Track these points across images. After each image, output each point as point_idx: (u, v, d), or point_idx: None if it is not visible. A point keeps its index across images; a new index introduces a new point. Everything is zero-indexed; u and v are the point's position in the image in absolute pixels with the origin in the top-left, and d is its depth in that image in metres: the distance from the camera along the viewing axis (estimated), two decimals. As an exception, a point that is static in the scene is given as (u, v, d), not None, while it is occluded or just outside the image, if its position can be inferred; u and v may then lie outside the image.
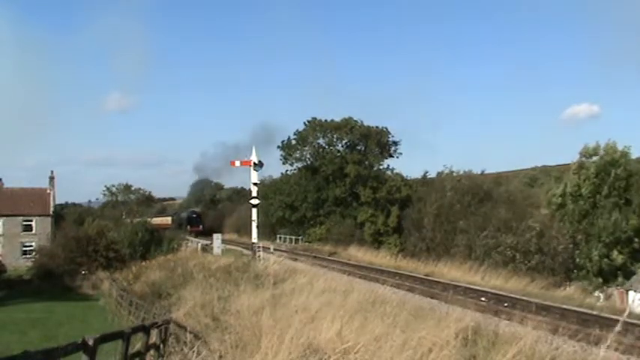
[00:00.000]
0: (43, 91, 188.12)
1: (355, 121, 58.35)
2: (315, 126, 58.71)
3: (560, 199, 39.59)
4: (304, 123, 59.58)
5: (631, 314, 18.85)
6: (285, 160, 59.88)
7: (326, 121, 58.84)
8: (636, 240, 35.90)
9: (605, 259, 35.30)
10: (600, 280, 34.86)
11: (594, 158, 39.23)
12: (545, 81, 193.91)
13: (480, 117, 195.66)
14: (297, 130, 59.59)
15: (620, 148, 38.99)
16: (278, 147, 59.81)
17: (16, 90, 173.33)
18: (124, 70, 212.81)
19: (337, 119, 58.82)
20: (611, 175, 37.07)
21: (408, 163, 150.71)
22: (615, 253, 35.35)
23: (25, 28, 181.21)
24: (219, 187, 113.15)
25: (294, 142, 59.44)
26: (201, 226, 75.07)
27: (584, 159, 39.71)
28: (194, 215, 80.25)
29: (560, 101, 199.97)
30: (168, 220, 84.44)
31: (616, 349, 9.97)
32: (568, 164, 44.52)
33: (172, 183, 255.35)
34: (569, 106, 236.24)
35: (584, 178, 38.29)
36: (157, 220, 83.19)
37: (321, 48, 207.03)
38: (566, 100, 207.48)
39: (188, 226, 72.63)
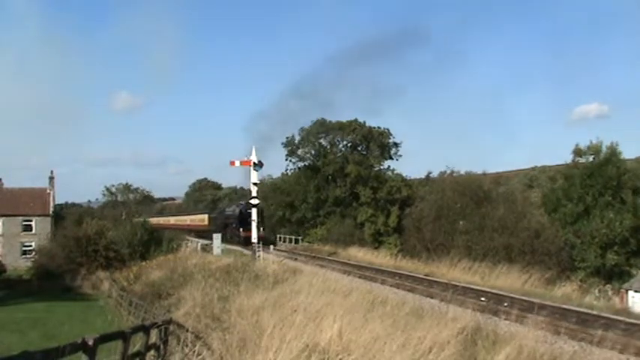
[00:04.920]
0: (47, 91, 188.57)
1: (358, 122, 58.53)
2: (320, 126, 58.91)
3: (554, 200, 39.72)
4: (311, 121, 59.82)
5: (631, 314, 18.88)
6: (288, 157, 60.03)
7: (330, 121, 59.08)
8: (632, 241, 35.93)
9: (601, 260, 35.38)
10: (596, 279, 34.95)
11: (590, 158, 39.34)
12: (552, 80, 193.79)
13: (483, 116, 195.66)
14: (301, 128, 59.75)
15: (612, 147, 39.11)
16: (282, 144, 59.84)
17: (19, 90, 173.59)
18: (131, 70, 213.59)
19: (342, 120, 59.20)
20: (603, 175, 37.16)
21: (409, 163, 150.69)
22: (611, 254, 35.41)
23: (29, 27, 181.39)
24: (215, 186, 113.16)
25: (298, 139, 59.60)
26: (262, 229, 47.13)
27: (579, 159, 39.84)
28: (250, 211, 51.44)
29: (569, 100, 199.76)
30: (204, 219, 63.39)
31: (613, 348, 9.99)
32: (565, 164, 44.71)
33: (174, 183, 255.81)
34: (578, 106, 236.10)
35: (577, 179, 38.40)
36: (187, 220, 69.19)
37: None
38: (576, 100, 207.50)
39: (240, 229, 48.60)
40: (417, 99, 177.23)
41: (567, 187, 39.14)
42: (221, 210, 59.69)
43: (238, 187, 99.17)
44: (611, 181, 37.05)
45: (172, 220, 76.96)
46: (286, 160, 60.26)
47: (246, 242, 34.68)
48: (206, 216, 63.21)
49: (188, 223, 67.67)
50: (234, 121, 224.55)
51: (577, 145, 40.28)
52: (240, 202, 55.08)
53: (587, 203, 37.39)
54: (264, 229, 47.66)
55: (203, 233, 56.05)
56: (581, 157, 39.82)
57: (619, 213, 36.24)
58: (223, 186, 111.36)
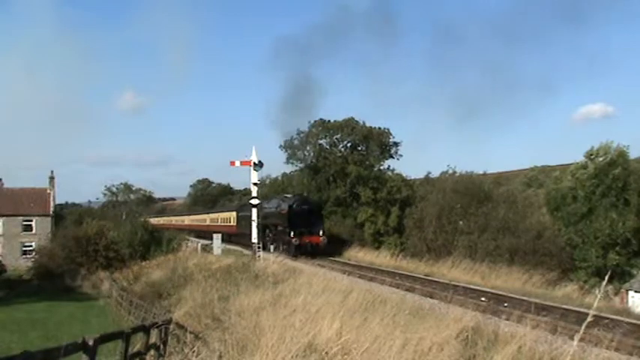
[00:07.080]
0: (50, 91, 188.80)
1: (357, 121, 58.47)
2: (319, 126, 58.81)
3: (559, 199, 39.75)
4: (308, 122, 59.70)
5: (631, 314, 18.89)
6: (288, 160, 59.90)
7: (329, 121, 58.98)
8: (634, 241, 35.98)
9: (602, 260, 35.41)
10: (597, 279, 34.96)
11: (600, 159, 39.33)
12: (555, 80, 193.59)
13: (485, 116, 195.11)
14: (298, 130, 59.61)
15: (619, 147, 39.16)
16: (280, 147, 59.65)
17: (22, 90, 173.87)
18: (135, 70, 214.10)
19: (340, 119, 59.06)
20: (609, 176, 37.18)
21: (410, 163, 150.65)
22: (613, 254, 35.46)
23: (34, 29, 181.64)
24: (216, 185, 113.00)
25: (296, 142, 59.46)
26: (322, 233, 36.61)
27: (588, 160, 39.81)
28: (306, 207, 37.48)
29: (574, 100, 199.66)
30: (230, 217, 49.93)
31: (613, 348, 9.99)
32: (568, 164, 44.69)
33: (175, 183, 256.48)
34: (583, 106, 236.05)
35: (584, 179, 38.44)
36: (206, 220, 60.04)
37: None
38: (581, 100, 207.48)
39: (291, 233, 35.48)
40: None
41: (574, 185, 39.19)
42: (260, 205, 38.59)
43: (236, 187, 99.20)
44: (617, 181, 37.11)
45: (187, 220, 69.76)
46: (286, 163, 60.13)
47: (311, 252, 27.60)
48: (234, 214, 48.38)
49: (207, 223, 57.97)
50: (235, 121, 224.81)
51: (592, 147, 40.32)
52: (286, 195, 40.81)
53: (592, 203, 37.45)
54: (324, 233, 36.64)
55: (230, 237, 45.06)
56: (592, 159, 39.80)
57: (622, 214, 36.30)
58: (223, 186, 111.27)
